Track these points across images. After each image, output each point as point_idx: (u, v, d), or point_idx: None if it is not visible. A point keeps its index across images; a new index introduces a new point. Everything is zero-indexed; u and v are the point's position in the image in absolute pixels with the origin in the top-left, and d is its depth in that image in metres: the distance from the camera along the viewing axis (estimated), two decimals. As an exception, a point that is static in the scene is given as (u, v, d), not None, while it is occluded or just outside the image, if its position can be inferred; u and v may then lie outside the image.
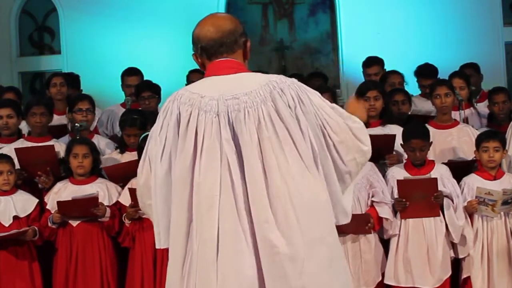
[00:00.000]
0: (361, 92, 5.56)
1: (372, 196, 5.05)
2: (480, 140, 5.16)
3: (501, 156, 5.14)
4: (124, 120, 5.63)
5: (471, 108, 6.36)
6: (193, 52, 2.93)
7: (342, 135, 2.87)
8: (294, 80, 2.87)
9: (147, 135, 5.19)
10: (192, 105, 2.78)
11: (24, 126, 5.90)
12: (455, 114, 5.87)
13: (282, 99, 2.77)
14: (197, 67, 8.06)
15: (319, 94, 2.91)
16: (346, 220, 2.95)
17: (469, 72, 6.58)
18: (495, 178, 5.14)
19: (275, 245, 2.67)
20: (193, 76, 7.08)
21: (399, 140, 5.28)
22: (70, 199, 5.06)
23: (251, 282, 2.66)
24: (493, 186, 5.02)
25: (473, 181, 5.12)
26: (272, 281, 2.67)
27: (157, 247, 2.96)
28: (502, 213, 5.05)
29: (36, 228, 5.10)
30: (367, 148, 2.95)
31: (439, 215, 5.03)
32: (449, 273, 5.03)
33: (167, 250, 5.01)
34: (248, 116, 2.75)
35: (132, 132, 5.53)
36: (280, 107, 2.76)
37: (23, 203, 5.17)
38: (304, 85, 2.88)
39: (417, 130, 5.21)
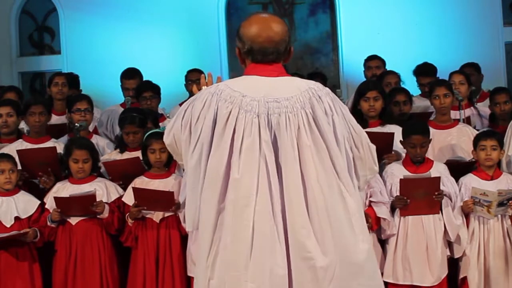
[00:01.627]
0: (360, 93, 5.56)
1: (370, 196, 5.04)
2: (477, 139, 5.16)
3: (498, 155, 5.13)
4: (123, 118, 5.64)
5: (472, 108, 6.35)
6: (237, 47, 2.97)
7: (362, 151, 2.97)
8: (328, 90, 2.95)
9: (151, 134, 5.22)
10: (233, 103, 2.83)
11: (25, 127, 5.91)
12: (456, 114, 5.87)
13: (320, 106, 2.85)
14: (196, 66, 8.06)
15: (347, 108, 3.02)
16: None
17: (469, 71, 6.59)
18: (492, 178, 5.13)
19: (310, 251, 2.75)
20: (192, 76, 7.08)
21: (398, 140, 5.28)
22: (68, 196, 5.05)
23: (283, 282, 2.74)
24: (490, 186, 5.01)
25: (470, 181, 5.12)
26: (300, 284, 2.76)
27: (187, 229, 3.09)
28: (498, 215, 5.03)
29: (37, 230, 5.10)
30: (377, 168, 3.07)
31: (438, 213, 5.03)
32: (447, 271, 5.04)
33: (169, 250, 5.07)
34: (289, 121, 2.81)
35: (131, 129, 5.54)
36: (318, 114, 2.84)
37: (25, 204, 5.16)
38: (336, 97, 2.97)
39: (417, 126, 5.25)
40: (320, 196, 2.77)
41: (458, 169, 5.27)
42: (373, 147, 3.02)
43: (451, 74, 6.27)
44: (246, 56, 2.95)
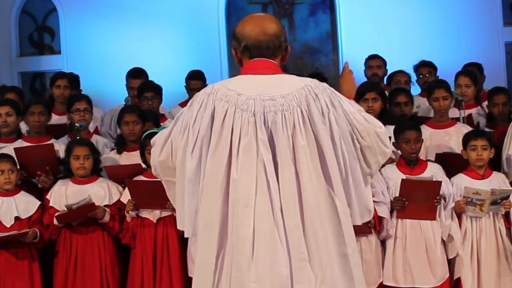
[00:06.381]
0: (359, 93, 5.56)
1: (373, 196, 5.02)
2: (468, 139, 5.15)
3: (489, 154, 5.13)
4: (122, 109, 5.69)
5: (479, 107, 6.32)
6: (233, 47, 2.99)
7: (369, 139, 2.97)
8: (326, 85, 2.95)
9: (149, 133, 5.22)
10: (229, 102, 2.84)
11: (24, 127, 5.90)
12: (456, 113, 5.87)
13: (316, 105, 2.85)
14: (196, 66, 8.06)
15: (349, 100, 3.01)
16: (369, 217, 3.07)
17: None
18: (483, 177, 5.13)
19: (302, 252, 2.78)
20: (193, 76, 7.06)
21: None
22: (65, 209, 5.03)
23: (285, 280, 2.75)
24: (481, 185, 5.01)
25: (462, 181, 5.11)
26: (299, 283, 2.77)
27: (179, 227, 3.03)
28: (490, 212, 5.03)
29: (37, 230, 5.09)
30: (389, 150, 3.08)
31: (435, 219, 5.03)
32: (448, 272, 5.04)
33: (167, 249, 5.06)
34: (285, 120, 2.82)
35: (130, 118, 5.53)
36: (313, 113, 2.84)
37: (25, 204, 5.16)
38: (336, 91, 2.97)
39: (409, 122, 5.33)
40: (311, 197, 2.79)
41: (449, 160, 5.25)
42: (382, 131, 3.01)
43: (457, 76, 6.24)
44: (242, 54, 2.96)
